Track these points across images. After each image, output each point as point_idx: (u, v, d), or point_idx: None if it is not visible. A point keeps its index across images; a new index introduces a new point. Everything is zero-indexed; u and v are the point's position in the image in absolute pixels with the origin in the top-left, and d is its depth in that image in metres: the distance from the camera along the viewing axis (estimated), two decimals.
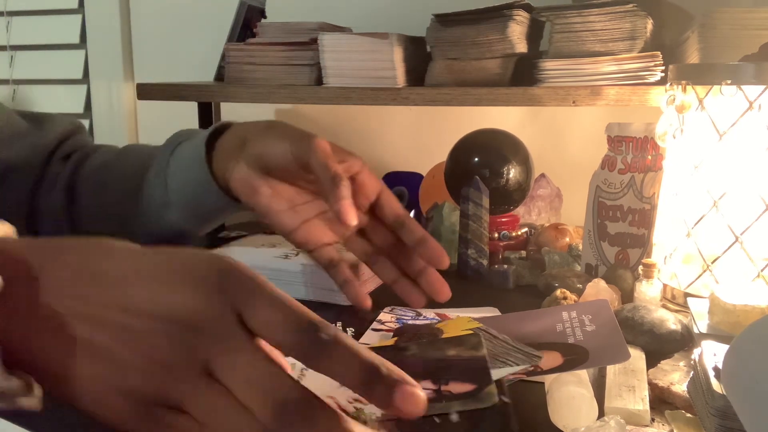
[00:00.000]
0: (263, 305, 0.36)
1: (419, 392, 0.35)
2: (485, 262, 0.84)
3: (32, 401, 0.37)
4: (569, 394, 0.47)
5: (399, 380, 0.35)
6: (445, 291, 0.64)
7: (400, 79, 0.94)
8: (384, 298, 0.70)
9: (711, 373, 0.44)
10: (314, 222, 0.66)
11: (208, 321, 0.36)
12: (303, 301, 0.38)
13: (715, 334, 0.59)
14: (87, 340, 0.36)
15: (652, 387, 0.51)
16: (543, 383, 0.52)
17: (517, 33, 0.90)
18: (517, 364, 0.51)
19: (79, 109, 1.42)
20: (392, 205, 0.66)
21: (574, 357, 0.51)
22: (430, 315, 0.67)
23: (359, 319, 0.67)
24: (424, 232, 0.65)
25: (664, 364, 0.55)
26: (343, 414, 0.35)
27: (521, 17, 0.91)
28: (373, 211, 0.66)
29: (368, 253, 0.67)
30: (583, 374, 0.51)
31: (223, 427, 0.35)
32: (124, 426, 0.37)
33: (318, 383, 0.38)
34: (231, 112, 1.21)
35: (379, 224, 0.66)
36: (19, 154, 0.72)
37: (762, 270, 0.66)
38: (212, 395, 0.35)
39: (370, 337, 0.64)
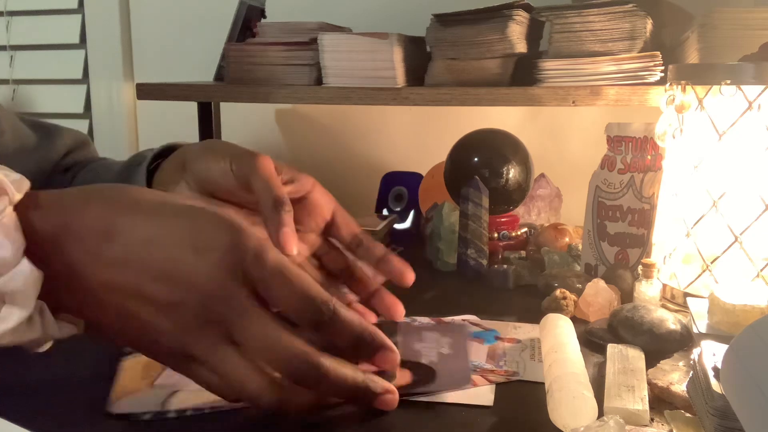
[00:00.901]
0: (272, 284, 0.42)
1: (394, 352, 0.46)
2: (485, 262, 0.84)
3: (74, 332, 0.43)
4: (570, 394, 0.47)
5: (380, 346, 0.45)
6: (399, 309, 0.59)
7: (400, 79, 0.94)
8: None
9: (710, 373, 0.44)
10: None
11: (224, 295, 0.41)
12: None
13: (714, 334, 0.59)
14: (114, 304, 0.41)
15: (652, 387, 0.51)
16: (543, 383, 0.52)
17: (516, 33, 0.90)
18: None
19: (79, 109, 1.42)
20: (348, 224, 0.61)
21: (421, 378, 0.54)
22: (424, 320, 0.67)
23: None
24: (385, 249, 0.60)
25: (664, 363, 0.55)
26: (341, 371, 0.43)
27: (521, 17, 0.91)
28: (329, 231, 0.61)
29: (321, 278, 0.61)
30: (584, 374, 0.51)
31: (238, 383, 0.42)
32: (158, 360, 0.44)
33: None
34: (231, 112, 1.21)
35: (333, 246, 0.61)
36: (25, 169, 0.71)
37: (761, 270, 0.66)
38: (229, 356, 0.41)
39: None
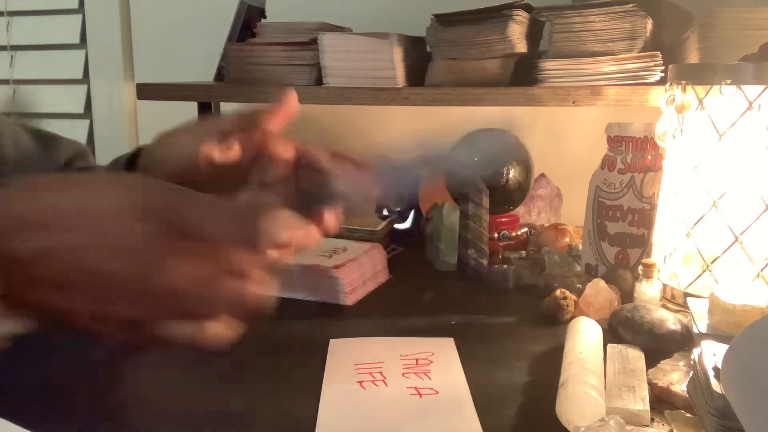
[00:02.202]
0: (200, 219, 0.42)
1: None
2: (485, 262, 0.84)
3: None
4: (580, 392, 0.47)
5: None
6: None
7: (400, 79, 0.94)
8: (378, 304, 0.70)
9: (711, 373, 0.44)
10: None
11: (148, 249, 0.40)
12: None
13: (714, 334, 0.59)
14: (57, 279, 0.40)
15: (652, 387, 0.51)
16: (557, 377, 0.52)
17: (517, 33, 0.90)
18: None
19: (79, 109, 1.42)
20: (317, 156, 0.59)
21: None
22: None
23: None
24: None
25: (664, 364, 0.55)
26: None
27: (521, 17, 0.91)
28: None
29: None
30: (600, 375, 0.51)
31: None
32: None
33: None
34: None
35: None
36: None
37: (762, 270, 0.66)
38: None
39: None
